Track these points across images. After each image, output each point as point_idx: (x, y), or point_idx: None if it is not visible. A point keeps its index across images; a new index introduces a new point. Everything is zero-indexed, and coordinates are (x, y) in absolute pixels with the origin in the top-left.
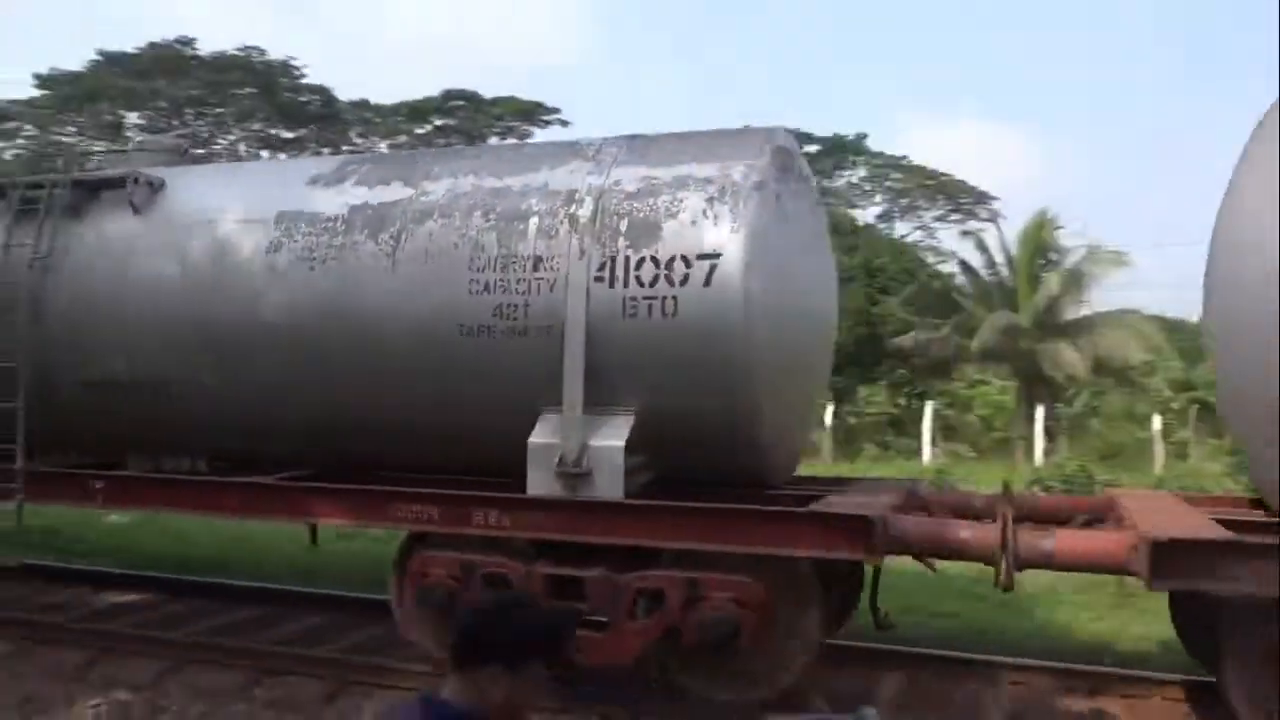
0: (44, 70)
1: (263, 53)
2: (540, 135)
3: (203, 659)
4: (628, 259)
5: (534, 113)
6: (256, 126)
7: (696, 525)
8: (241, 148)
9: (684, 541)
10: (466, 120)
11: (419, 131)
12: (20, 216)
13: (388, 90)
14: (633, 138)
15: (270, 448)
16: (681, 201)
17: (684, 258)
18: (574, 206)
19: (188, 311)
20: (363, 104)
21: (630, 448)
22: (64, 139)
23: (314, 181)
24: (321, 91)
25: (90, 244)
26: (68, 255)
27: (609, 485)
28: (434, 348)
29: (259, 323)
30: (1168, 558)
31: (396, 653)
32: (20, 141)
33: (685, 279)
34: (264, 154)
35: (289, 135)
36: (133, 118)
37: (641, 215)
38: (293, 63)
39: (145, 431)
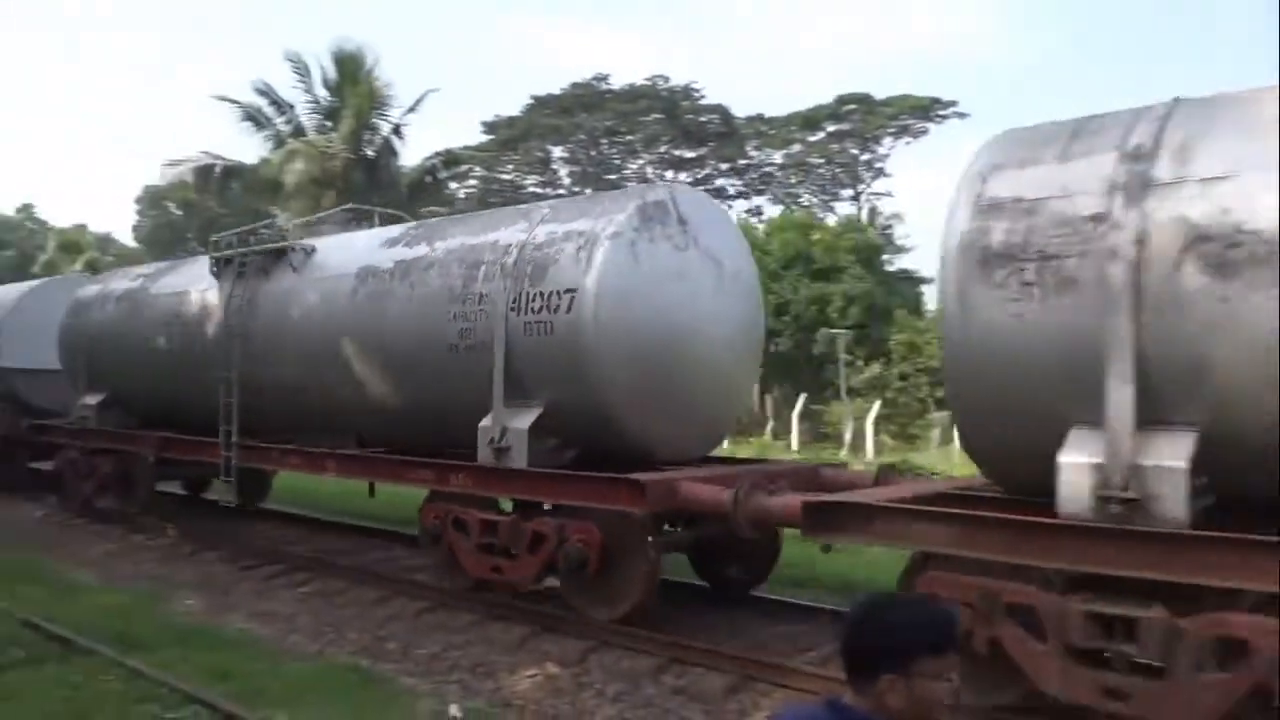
0: (489, 117)
1: (667, 80)
2: (935, 131)
3: (622, 644)
4: (528, 294)
5: (930, 109)
6: (661, 149)
7: (556, 486)
8: (649, 171)
9: (555, 499)
10: (860, 123)
11: (811, 139)
12: (237, 276)
13: (783, 101)
14: (558, 200)
15: (346, 427)
16: (563, 250)
17: (557, 292)
18: (505, 256)
19: (319, 337)
20: (758, 118)
21: (536, 431)
22: (503, 176)
23: (384, 244)
24: (719, 110)
25: (271, 293)
26: (259, 301)
27: (517, 457)
28: (430, 360)
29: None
30: (817, 515)
31: (798, 654)
32: (470, 182)
33: (557, 308)
34: (668, 175)
35: (690, 155)
36: (558, 152)
37: (540, 262)
38: (694, 86)
39: (303, 418)
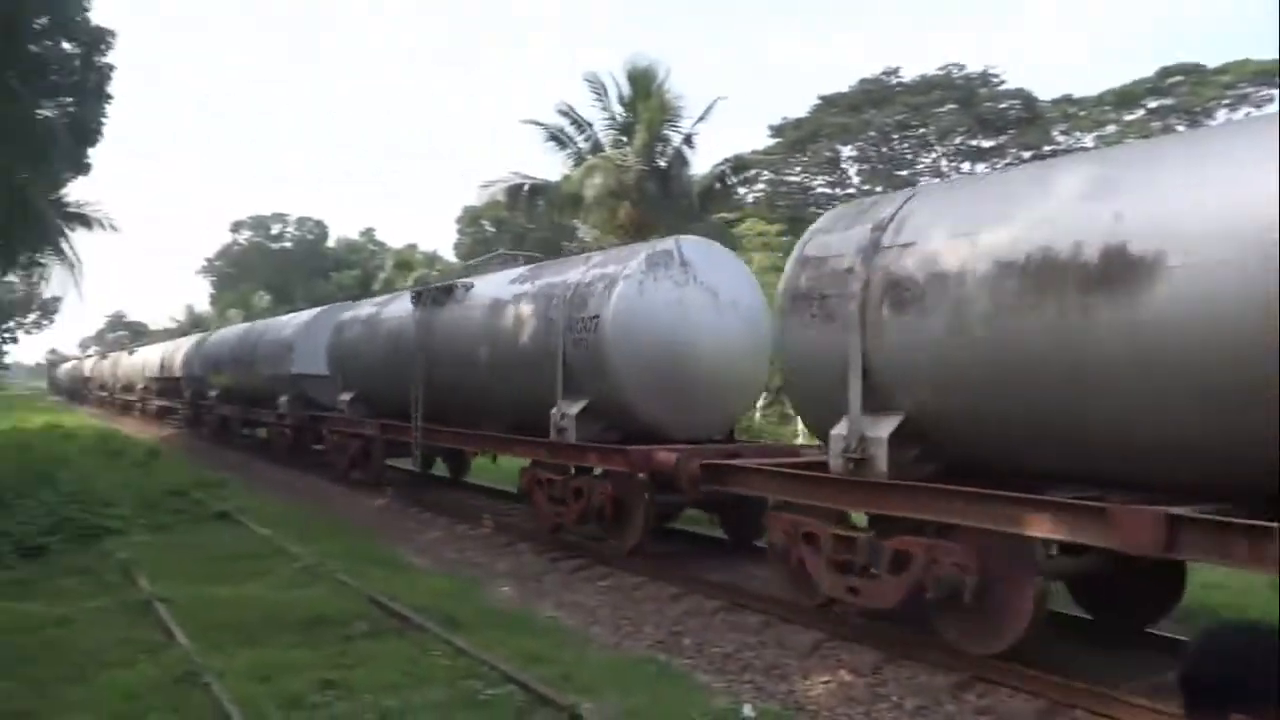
0: (775, 121)
1: (962, 68)
2: None
3: (918, 656)
4: (577, 319)
5: (1275, 73)
6: (957, 141)
7: (595, 454)
8: (943, 164)
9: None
10: (1187, 96)
11: (1128, 118)
12: (425, 306)
13: (1094, 79)
14: (599, 252)
15: (488, 413)
16: (593, 287)
17: (591, 318)
18: (566, 293)
19: (467, 348)
20: (1064, 100)
21: (583, 416)
22: (790, 179)
23: (511, 281)
24: (1021, 95)
25: (443, 318)
26: (435, 325)
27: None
28: (527, 366)
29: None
30: (711, 473)
31: (1124, 681)
32: (759, 186)
33: (591, 329)
34: (963, 167)
35: (988, 145)
36: (846, 151)
37: (583, 296)
38: (991, 72)
39: (461, 408)
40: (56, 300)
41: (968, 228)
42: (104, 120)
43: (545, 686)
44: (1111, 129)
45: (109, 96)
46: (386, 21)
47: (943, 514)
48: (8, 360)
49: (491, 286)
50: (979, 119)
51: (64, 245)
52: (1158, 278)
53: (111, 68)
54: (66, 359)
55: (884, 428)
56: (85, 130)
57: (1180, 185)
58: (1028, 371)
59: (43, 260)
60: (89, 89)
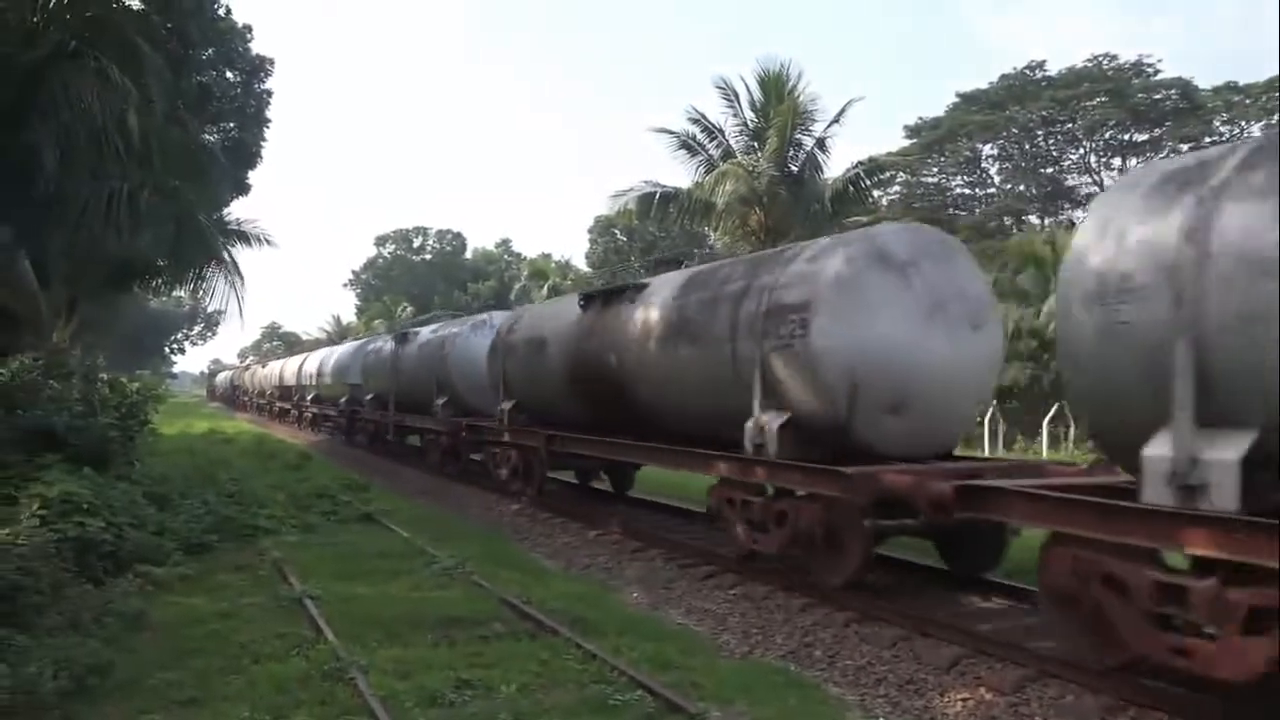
0: (911, 121)
1: (1114, 59)
2: None
3: (1066, 676)
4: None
5: None
6: (1106, 135)
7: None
8: (1092, 160)
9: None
10: None
11: None
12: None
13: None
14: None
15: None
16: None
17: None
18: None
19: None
20: (1227, 87)
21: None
22: (927, 180)
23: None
24: (1179, 85)
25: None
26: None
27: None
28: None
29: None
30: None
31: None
32: (894, 189)
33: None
34: (1114, 162)
35: (1141, 138)
36: (987, 149)
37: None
38: (1145, 61)
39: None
40: (219, 313)
41: None
42: (263, 143)
43: (674, 693)
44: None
45: (268, 121)
46: (522, 37)
47: None
48: (175, 369)
49: (668, 287)
50: (1132, 111)
51: (226, 261)
52: None
53: (270, 94)
54: (226, 368)
55: (773, 421)
56: (246, 153)
57: None
58: None
59: (204, 276)
60: (249, 114)
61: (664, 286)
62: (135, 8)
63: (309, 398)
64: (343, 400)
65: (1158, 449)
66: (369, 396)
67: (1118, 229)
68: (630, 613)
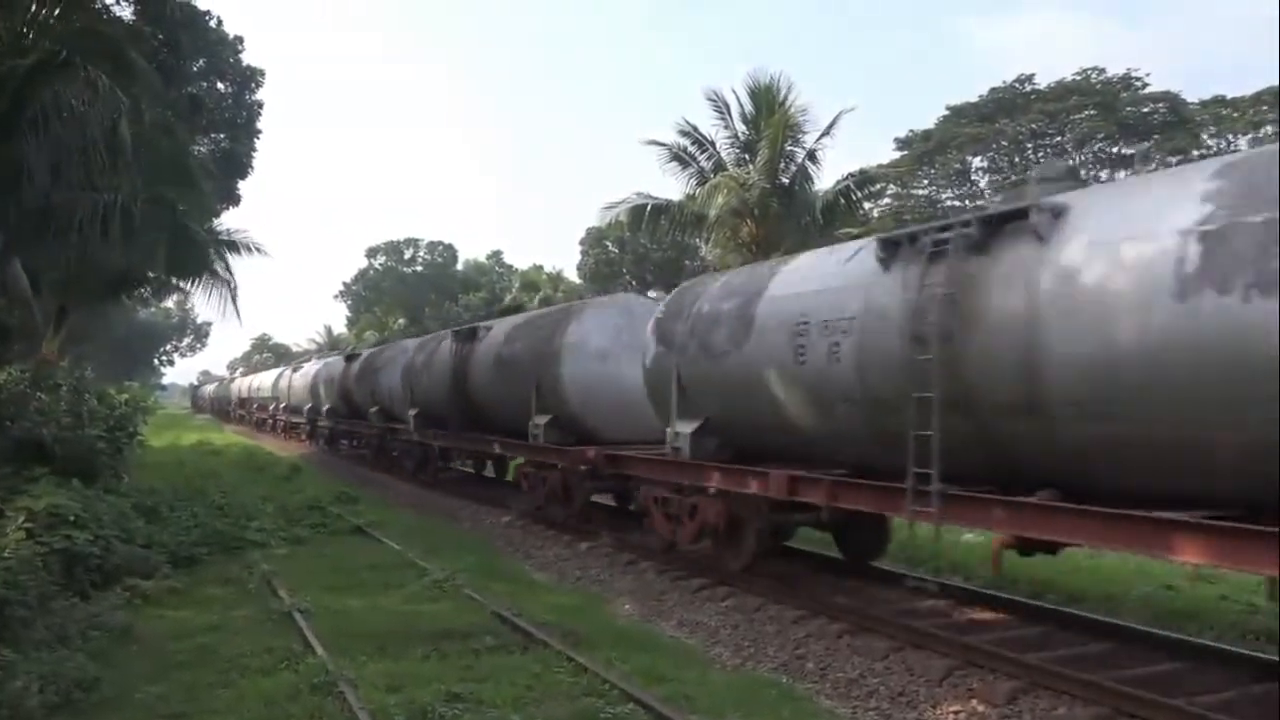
0: (901, 134)
1: (1102, 72)
2: None
3: (1053, 686)
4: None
5: None
6: (1096, 147)
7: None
8: (1081, 173)
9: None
10: None
11: None
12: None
13: (1250, 77)
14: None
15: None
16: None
17: None
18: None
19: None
20: (1215, 100)
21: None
22: (918, 192)
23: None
24: (1166, 98)
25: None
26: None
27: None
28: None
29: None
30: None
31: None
32: (885, 201)
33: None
34: (1103, 175)
35: (1130, 151)
36: (977, 162)
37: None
38: (1133, 75)
39: None
40: (208, 325)
41: None
42: (254, 154)
43: (666, 706)
44: (1270, 129)
45: (259, 132)
46: (511, 48)
47: None
48: (164, 381)
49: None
50: (1120, 124)
51: (219, 269)
52: None
53: (261, 105)
54: (214, 379)
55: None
56: (236, 164)
57: None
58: None
59: (188, 289)
60: (240, 125)
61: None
62: (125, 19)
63: (282, 406)
64: (306, 408)
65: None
66: (326, 407)
67: None
68: (622, 625)
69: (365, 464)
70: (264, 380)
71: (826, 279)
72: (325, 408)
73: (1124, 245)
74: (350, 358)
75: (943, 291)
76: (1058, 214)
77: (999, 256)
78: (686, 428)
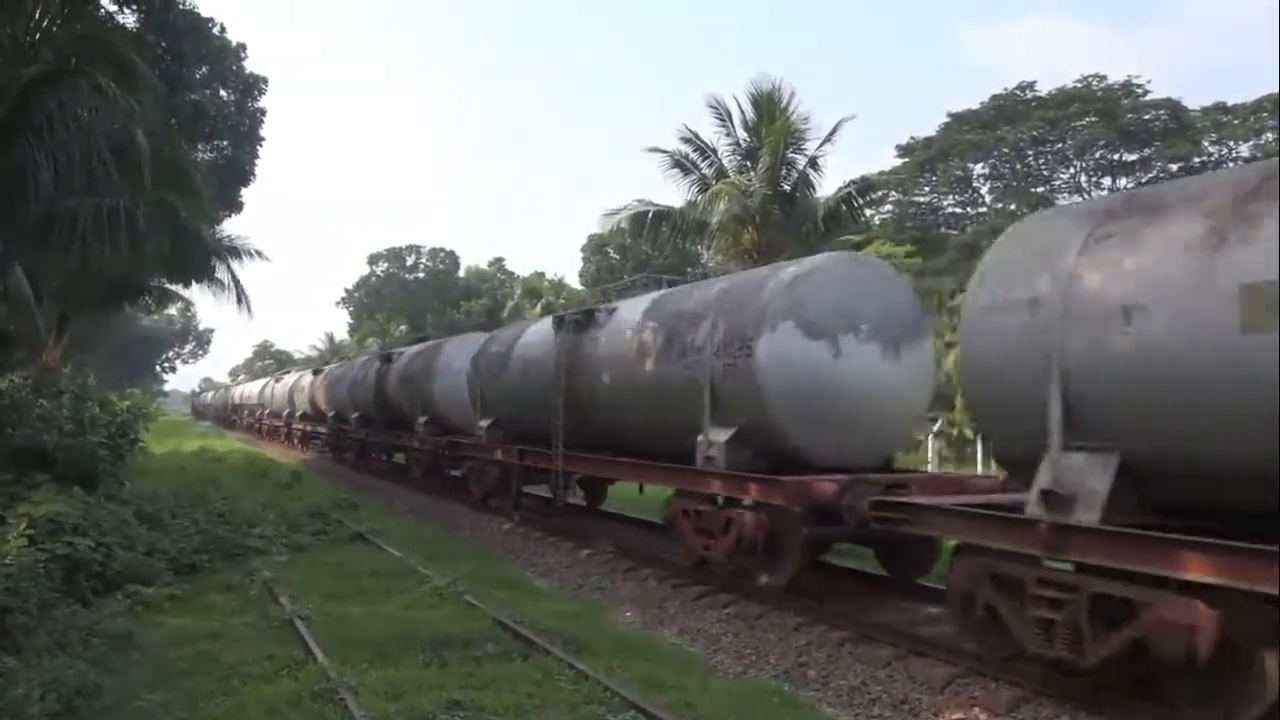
0: (903, 141)
1: (1103, 79)
2: None
3: (1059, 696)
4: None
5: None
6: (1096, 155)
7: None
8: (1082, 179)
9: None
10: None
11: None
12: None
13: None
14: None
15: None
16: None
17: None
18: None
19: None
20: (1216, 107)
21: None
22: (919, 199)
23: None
24: (1168, 105)
25: (584, 343)
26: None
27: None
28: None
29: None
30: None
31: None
32: (886, 208)
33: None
34: (1104, 182)
35: (1131, 158)
36: (978, 169)
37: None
38: (1134, 82)
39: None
40: (210, 331)
41: None
42: (257, 161)
43: (668, 714)
44: (1271, 136)
45: (261, 139)
46: (512, 57)
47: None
48: (166, 388)
49: (627, 311)
50: (1121, 131)
51: (223, 273)
52: None
53: (263, 112)
54: (217, 386)
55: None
56: (239, 171)
57: None
58: None
59: (189, 296)
60: (242, 132)
61: (624, 311)
62: (129, 26)
63: (269, 412)
64: (284, 413)
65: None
66: (299, 413)
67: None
68: (623, 632)
69: (362, 471)
70: (252, 389)
71: (535, 335)
72: (300, 413)
73: (624, 330)
74: (318, 371)
75: (566, 347)
76: (610, 312)
77: (586, 332)
78: (484, 422)
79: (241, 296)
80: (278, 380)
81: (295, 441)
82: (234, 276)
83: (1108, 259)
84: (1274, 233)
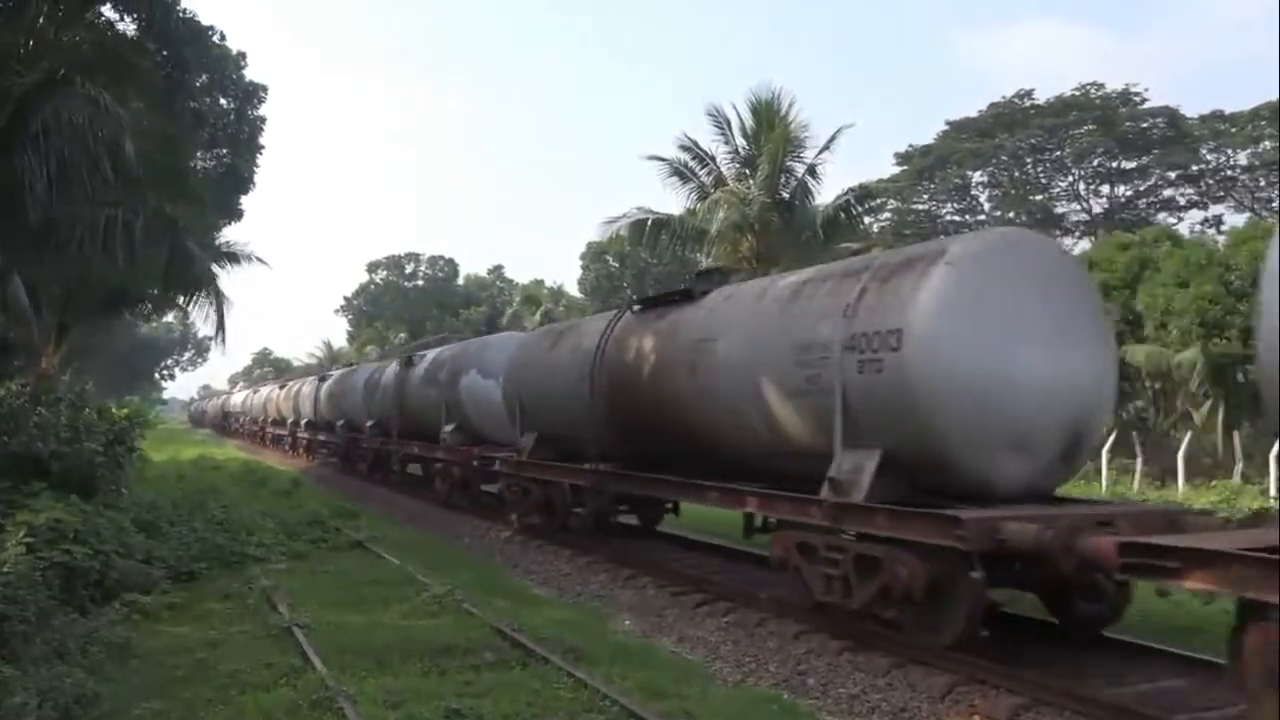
0: (901, 149)
1: (1101, 87)
2: None
3: (1054, 702)
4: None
5: None
6: (1095, 162)
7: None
8: (1080, 187)
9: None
10: None
11: None
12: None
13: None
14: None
15: None
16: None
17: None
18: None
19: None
20: (1214, 116)
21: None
22: (918, 207)
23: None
24: (1165, 113)
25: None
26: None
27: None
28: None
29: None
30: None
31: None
32: (885, 216)
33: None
34: (1102, 189)
35: (1129, 166)
36: (976, 176)
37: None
38: (1133, 90)
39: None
40: (209, 339)
41: None
42: (256, 169)
43: None
44: (1268, 144)
45: (261, 147)
46: (511, 66)
47: None
48: (165, 395)
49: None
50: (1119, 139)
51: (215, 286)
52: None
53: (263, 120)
54: (215, 394)
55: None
56: (238, 179)
57: None
58: None
59: (187, 306)
60: (242, 141)
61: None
62: (129, 34)
63: (271, 420)
64: (289, 420)
65: None
66: (304, 420)
67: None
68: (622, 641)
69: (380, 484)
70: (253, 396)
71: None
72: (305, 420)
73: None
74: (322, 379)
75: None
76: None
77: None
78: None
79: (220, 328)
80: (281, 386)
81: (300, 450)
82: (219, 305)
83: None
84: None
